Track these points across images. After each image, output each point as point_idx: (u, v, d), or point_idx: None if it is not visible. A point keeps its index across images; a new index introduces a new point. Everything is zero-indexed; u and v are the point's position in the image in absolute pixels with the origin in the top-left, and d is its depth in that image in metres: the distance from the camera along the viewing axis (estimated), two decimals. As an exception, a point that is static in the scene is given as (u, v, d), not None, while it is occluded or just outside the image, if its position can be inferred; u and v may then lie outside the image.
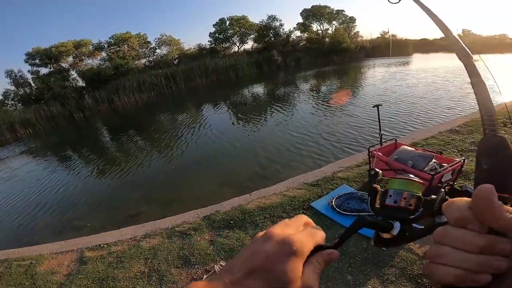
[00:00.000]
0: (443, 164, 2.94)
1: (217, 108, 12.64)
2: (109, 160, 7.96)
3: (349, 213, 2.94)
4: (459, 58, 0.53)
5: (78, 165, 8.13)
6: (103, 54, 27.52)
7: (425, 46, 26.94)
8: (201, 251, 2.82)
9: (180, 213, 3.78)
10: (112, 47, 27.15)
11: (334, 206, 3.06)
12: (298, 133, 6.90)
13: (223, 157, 6.35)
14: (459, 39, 0.57)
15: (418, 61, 19.53)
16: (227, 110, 11.89)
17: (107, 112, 19.29)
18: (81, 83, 25.94)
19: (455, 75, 10.69)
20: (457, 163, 2.85)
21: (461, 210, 0.28)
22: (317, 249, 0.32)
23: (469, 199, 0.28)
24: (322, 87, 13.91)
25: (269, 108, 10.43)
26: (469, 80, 0.49)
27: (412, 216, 0.36)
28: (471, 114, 5.86)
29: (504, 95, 4.28)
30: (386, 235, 0.36)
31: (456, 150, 4.16)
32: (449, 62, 14.19)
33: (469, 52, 0.52)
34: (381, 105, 3.95)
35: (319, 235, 0.33)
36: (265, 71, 25.41)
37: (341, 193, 3.29)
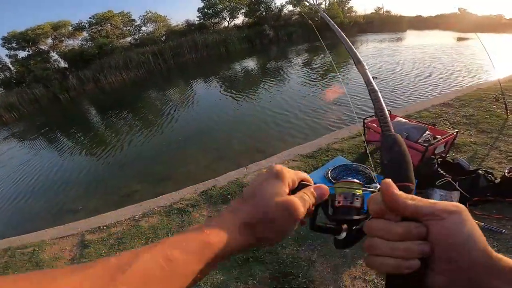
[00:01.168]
0: (437, 136, 2.98)
1: (208, 84, 12.33)
2: (99, 139, 7.80)
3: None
4: (355, 65, 0.58)
5: (67, 146, 7.95)
6: (85, 34, 26.45)
7: (420, 23, 26.75)
8: (201, 228, 2.87)
9: (177, 189, 3.76)
10: (94, 27, 26.08)
11: (330, 178, 3.10)
12: (290, 107, 6.86)
13: (216, 132, 6.30)
14: (353, 47, 0.64)
15: (412, 37, 19.26)
16: (218, 85, 11.61)
17: (94, 92, 18.63)
18: (63, 64, 25.03)
19: (448, 52, 10.67)
20: (450, 135, 2.90)
21: (376, 202, 0.31)
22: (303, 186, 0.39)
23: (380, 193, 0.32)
24: (315, 61, 13.65)
25: (261, 82, 10.26)
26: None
27: (357, 217, 0.38)
28: (464, 89, 5.90)
29: (498, 72, 4.33)
30: (340, 237, 0.39)
31: (448, 123, 4.23)
32: (443, 39, 14.05)
33: (361, 59, 0.57)
34: (377, 77, 3.90)
35: (304, 175, 0.40)
36: (257, 46, 24.71)
37: (337, 164, 3.32)
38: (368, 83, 0.53)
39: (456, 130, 3.03)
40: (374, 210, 0.32)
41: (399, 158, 0.39)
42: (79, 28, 26.06)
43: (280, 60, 15.46)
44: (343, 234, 0.38)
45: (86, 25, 26.10)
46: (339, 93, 7.14)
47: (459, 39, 14.12)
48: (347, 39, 0.72)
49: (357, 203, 0.39)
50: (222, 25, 31.20)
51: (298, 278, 2.12)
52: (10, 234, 3.78)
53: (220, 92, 10.18)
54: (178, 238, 0.29)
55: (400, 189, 0.30)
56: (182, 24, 30.62)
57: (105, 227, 3.23)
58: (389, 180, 0.30)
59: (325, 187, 0.39)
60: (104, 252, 2.84)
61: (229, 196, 3.24)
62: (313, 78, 9.61)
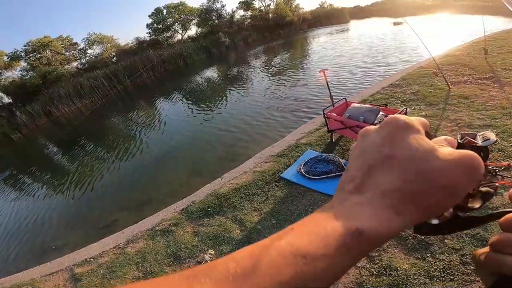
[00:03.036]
0: (389, 115, 3.27)
1: (170, 100, 12.07)
2: (66, 175, 7.24)
3: (318, 177, 3.14)
4: None
5: (34, 187, 7.28)
6: (23, 63, 24.47)
7: (359, 13, 29.13)
8: (188, 244, 2.84)
9: (156, 211, 3.69)
10: (31, 55, 24.21)
11: (303, 173, 3.25)
12: (256, 110, 7.03)
13: (186, 147, 6.25)
14: None
15: (355, 27, 20.74)
16: (182, 100, 11.46)
17: (49, 126, 17.20)
18: (7, 99, 22.71)
19: (387, 38, 11.68)
20: (400, 112, 3.19)
21: None
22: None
23: None
24: (273, 61, 14.04)
25: (225, 90, 10.33)
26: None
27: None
28: (407, 69, 6.51)
29: (431, 51, 4.85)
30: (433, 220, 0.28)
31: (399, 101, 4.64)
32: (380, 26, 15.32)
33: None
34: (327, 69, 4.18)
35: (423, 120, 0.27)
36: (215, 54, 24.75)
37: (307, 158, 3.49)
38: None
39: (405, 107, 3.32)
40: None
41: None
42: (15, 57, 24.03)
43: (240, 65, 15.65)
44: (436, 219, 0.28)
45: (22, 53, 24.19)
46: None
47: (395, 24, 15.51)
48: None
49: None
50: (176, 38, 30.75)
51: None
52: (2, 276, 3.57)
53: (185, 107, 10.04)
54: (308, 228, 0.21)
55: None
56: (132, 43, 29.59)
57: (91, 259, 3.13)
58: None
59: (454, 140, 0.28)
60: (97, 283, 2.74)
61: (209, 209, 3.25)
62: (273, 79, 9.89)
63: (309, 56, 12.79)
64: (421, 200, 0.22)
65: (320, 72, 4.01)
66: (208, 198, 3.43)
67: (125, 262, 2.90)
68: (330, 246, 0.20)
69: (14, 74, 24.09)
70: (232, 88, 10.06)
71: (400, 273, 1.96)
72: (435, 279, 1.87)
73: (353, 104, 3.74)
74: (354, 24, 22.79)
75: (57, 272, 3.11)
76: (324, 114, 3.69)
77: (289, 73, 9.97)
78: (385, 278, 1.96)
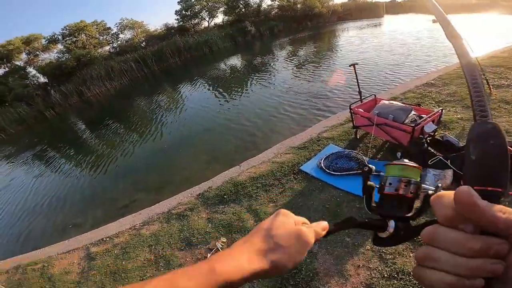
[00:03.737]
0: (422, 116, 3.03)
1: (195, 86, 12.21)
2: (91, 153, 7.66)
3: (339, 173, 3.02)
4: (448, 39, 0.48)
5: (60, 163, 7.78)
6: (60, 46, 25.94)
7: (395, 8, 27.43)
8: (201, 230, 2.86)
9: (173, 195, 3.75)
10: (67, 38, 25.59)
11: (323, 167, 3.14)
12: (280, 100, 6.89)
13: (207, 133, 6.28)
14: (449, 19, 0.51)
15: (389, 22, 19.59)
16: (205, 86, 11.54)
17: (79, 105, 18.22)
18: (43, 79, 24.41)
19: (425, 35, 10.88)
20: (435, 113, 2.95)
21: (450, 208, 0.25)
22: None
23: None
24: (299, 52, 13.69)
25: (248, 78, 10.23)
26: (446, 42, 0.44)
27: (408, 214, 0.34)
28: (444, 68, 6.03)
29: (475, 50, 4.41)
30: (382, 234, 0.35)
31: (433, 102, 4.32)
32: (418, 22, 14.32)
33: (458, 33, 0.47)
34: (358, 63, 3.97)
35: (303, 219, 0.41)
36: (240, 43, 24.60)
37: (329, 153, 3.37)
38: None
39: (441, 108, 3.08)
40: (444, 216, 0.26)
41: (494, 154, 0.30)
42: (52, 40, 25.54)
43: (265, 55, 15.44)
44: (388, 232, 0.34)
45: (60, 37, 25.63)
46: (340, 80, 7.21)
47: (434, 21, 14.42)
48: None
49: (410, 193, 0.33)
50: (203, 26, 30.93)
51: (302, 271, 2.13)
52: (14, 254, 3.79)
53: (208, 93, 10.12)
54: (187, 268, 0.30)
55: (485, 194, 0.24)
56: (161, 29, 30.26)
57: (108, 239, 3.23)
58: (468, 189, 0.24)
59: (324, 223, 0.39)
60: (111, 263, 2.85)
61: (225, 196, 3.24)
62: (299, 70, 9.65)
63: (336, 50, 12.30)
64: (267, 255, 0.33)
65: (350, 66, 3.83)
66: (225, 185, 3.43)
67: (139, 243, 2.98)
68: (195, 281, 0.28)
69: (51, 56, 25.72)
70: (255, 78, 9.96)
71: (412, 279, 1.86)
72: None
73: (382, 101, 3.53)
74: (387, 19, 21.51)
75: (73, 250, 3.24)
76: (350, 109, 3.52)
77: (314, 65, 9.68)
78: (395, 282, 1.90)
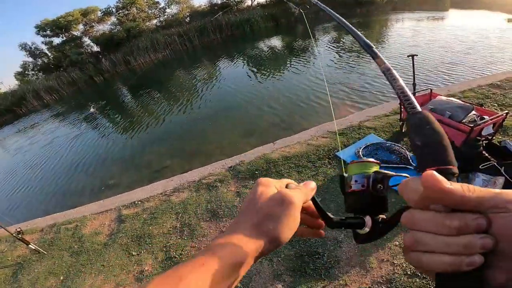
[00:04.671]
0: (484, 117, 2.73)
1: (234, 62, 12.26)
2: (131, 118, 8.19)
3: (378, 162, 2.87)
4: (365, 50, 0.54)
5: (103, 125, 8.47)
6: (113, 18, 27.49)
7: (464, 2, 24.07)
8: (228, 203, 2.91)
9: (206, 164, 3.87)
10: (120, 11, 26.92)
11: (362, 156, 3.00)
12: (320, 83, 6.63)
13: (244, 108, 6.32)
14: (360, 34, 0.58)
15: (454, 17, 17.35)
16: (244, 64, 11.52)
17: (126, 73, 19.48)
18: (96, 48, 26.37)
19: (497, 34, 9.46)
20: (499, 116, 2.63)
21: (417, 191, 0.26)
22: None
23: (420, 178, 0.26)
24: (345, 38, 12.89)
25: (287, 59, 10.00)
26: None
27: (379, 208, 0.36)
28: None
29: None
30: (362, 231, 0.36)
31: (496, 104, 3.85)
32: (491, 20, 12.52)
33: (371, 44, 0.53)
34: (417, 55, 3.61)
35: (286, 180, 0.40)
36: (282, 24, 23.85)
37: (369, 142, 3.19)
38: (380, 63, 0.48)
39: (506, 111, 2.73)
40: (414, 199, 0.27)
41: (433, 137, 0.33)
42: (107, 13, 27.08)
43: (307, 38, 14.81)
44: (366, 228, 0.35)
45: (114, 9, 27.05)
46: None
47: (510, 20, 12.48)
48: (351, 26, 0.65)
49: (377, 186, 0.35)
50: (246, 4, 30.36)
51: (324, 257, 2.11)
52: (60, 210, 4.08)
53: (246, 71, 10.09)
54: (188, 263, 0.29)
55: (440, 173, 0.25)
56: (205, 5, 30.40)
57: (139, 202, 3.40)
58: (433, 174, 0.25)
59: (312, 183, 0.39)
60: (138, 227, 3.00)
61: (256, 172, 3.26)
62: (341, 56, 9.13)
63: (388, 40, 11.34)
64: (260, 228, 0.33)
65: (408, 56, 3.51)
66: (257, 161, 3.44)
67: (167, 210, 3.09)
68: (198, 272, 0.27)
69: (104, 27, 27.49)
70: (295, 60, 9.64)
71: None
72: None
73: (439, 97, 3.21)
74: (453, 14, 19.08)
75: (106, 212, 3.42)
76: (400, 99, 3.25)
77: (358, 52, 9.07)
78: (417, 280, 1.83)
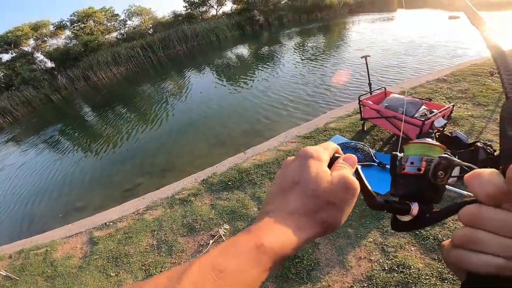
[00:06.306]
0: (433, 110, 2.96)
1: (201, 73, 12.21)
2: (96, 137, 7.74)
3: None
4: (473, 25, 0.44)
5: (65, 146, 7.88)
6: (67, 32, 26.32)
7: (409, 2, 26.43)
8: (204, 217, 2.87)
9: (178, 180, 3.77)
10: (75, 25, 25.90)
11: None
12: (286, 89, 6.84)
13: (213, 119, 6.29)
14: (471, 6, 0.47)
15: (402, 16, 19.03)
16: (211, 74, 11.52)
17: (86, 90, 18.38)
18: (50, 64, 24.79)
19: (440, 31, 10.51)
20: (446, 108, 2.87)
21: (495, 184, 0.23)
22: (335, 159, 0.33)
23: (497, 171, 0.23)
24: (307, 43, 13.45)
25: (254, 67, 10.17)
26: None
27: (433, 197, 0.32)
28: (458, 65, 5.86)
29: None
30: (404, 218, 0.32)
31: (444, 98, 4.22)
32: (434, 18, 13.92)
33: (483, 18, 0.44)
34: (369, 56, 3.88)
35: (334, 145, 0.35)
36: (248, 32, 24.31)
37: (335, 143, 3.33)
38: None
39: (453, 104, 3.01)
40: (488, 194, 0.24)
41: None
42: (60, 26, 25.83)
43: (273, 44, 15.22)
44: (409, 216, 0.32)
45: (68, 23, 25.89)
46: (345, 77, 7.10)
47: (450, 17, 13.95)
48: None
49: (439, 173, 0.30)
50: (211, 14, 30.53)
51: (304, 261, 2.14)
52: (19, 237, 3.79)
53: (214, 80, 10.07)
54: (226, 244, 0.25)
55: None
56: (169, 16, 30.06)
57: (111, 223, 3.25)
58: None
59: (353, 156, 0.33)
60: (113, 247, 2.86)
61: (229, 183, 3.25)
62: (307, 61, 9.50)
63: (346, 42, 12.05)
64: (316, 215, 0.28)
65: (362, 57, 3.75)
66: (230, 172, 3.43)
67: (141, 228, 2.99)
68: (241, 261, 0.24)
69: (58, 41, 26.02)
70: (262, 67, 9.87)
71: (413, 272, 1.88)
72: (446, 281, 1.78)
73: (392, 94, 3.46)
74: (401, 14, 20.85)
75: (76, 235, 3.25)
76: (359, 101, 3.46)
77: (322, 57, 9.52)
78: (396, 275, 1.91)
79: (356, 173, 0.32)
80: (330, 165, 0.32)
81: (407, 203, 0.32)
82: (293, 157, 0.33)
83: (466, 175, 0.25)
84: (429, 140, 0.34)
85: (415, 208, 0.32)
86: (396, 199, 0.34)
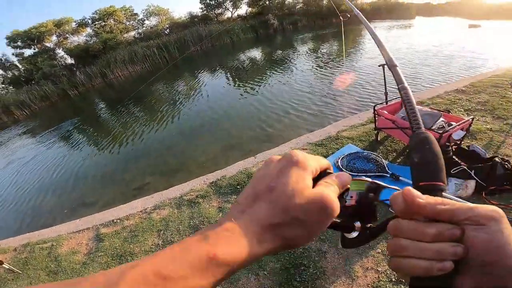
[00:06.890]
0: (451, 123, 2.87)
1: (213, 74, 12.32)
2: (109, 133, 7.90)
3: (356, 173, 2.93)
4: (388, 67, 0.59)
5: (78, 141, 8.10)
6: (89, 30, 27.23)
7: (429, 10, 26.08)
8: (211, 219, 2.85)
9: (187, 180, 3.78)
10: (97, 23, 26.70)
11: (341, 167, 3.06)
12: (299, 94, 6.79)
13: (224, 122, 6.30)
14: (387, 49, 0.66)
15: (421, 24, 18.65)
16: (224, 75, 11.58)
17: (102, 86, 18.91)
18: (70, 60, 25.74)
19: (460, 39, 10.25)
20: (465, 121, 2.78)
21: (402, 203, 0.30)
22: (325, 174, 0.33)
23: (403, 191, 0.30)
24: (321, 48, 13.37)
25: (267, 71, 10.15)
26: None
27: (369, 215, 0.37)
28: (478, 75, 5.68)
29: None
30: (349, 235, 0.37)
31: (462, 110, 4.09)
32: (453, 26, 13.60)
33: (394, 60, 0.58)
34: (387, 64, 3.79)
35: (325, 161, 0.33)
36: (262, 36, 24.46)
37: (347, 152, 3.27)
38: (399, 81, 0.54)
39: (472, 117, 2.91)
40: (401, 210, 0.30)
41: (429, 156, 0.38)
42: (82, 24, 26.69)
43: (286, 49, 15.22)
44: (354, 233, 0.36)
45: (89, 21, 26.76)
46: (350, 81, 7.01)
47: (470, 26, 13.58)
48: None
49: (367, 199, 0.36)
50: (226, 16, 30.94)
51: (309, 269, 2.10)
52: (32, 229, 3.84)
53: (227, 82, 10.14)
54: (175, 249, 0.23)
55: (427, 189, 0.29)
56: (185, 17, 30.69)
57: (118, 220, 3.26)
58: (409, 190, 0.29)
59: (347, 175, 0.33)
60: (118, 245, 2.87)
61: (238, 186, 3.23)
62: (321, 66, 9.44)
63: (362, 49, 11.90)
64: (280, 231, 0.26)
65: (379, 66, 3.68)
66: (239, 175, 3.41)
67: (148, 227, 2.98)
68: (188, 269, 0.22)
69: (79, 39, 27.00)
70: (275, 71, 9.85)
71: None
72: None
73: (409, 104, 3.38)
74: (419, 21, 20.47)
75: (83, 230, 3.26)
76: (374, 110, 3.40)
77: (337, 63, 9.43)
78: (402, 286, 1.86)
79: (368, 191, 0.35)
80: (318, 179, 0.31)
81: (352, 223, 0.36)
82: (279, 156, 0.32)
83: (390, 197, 0.32)
84: (363, 178, 0.38)
85: (357, 226, 0.36)
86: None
